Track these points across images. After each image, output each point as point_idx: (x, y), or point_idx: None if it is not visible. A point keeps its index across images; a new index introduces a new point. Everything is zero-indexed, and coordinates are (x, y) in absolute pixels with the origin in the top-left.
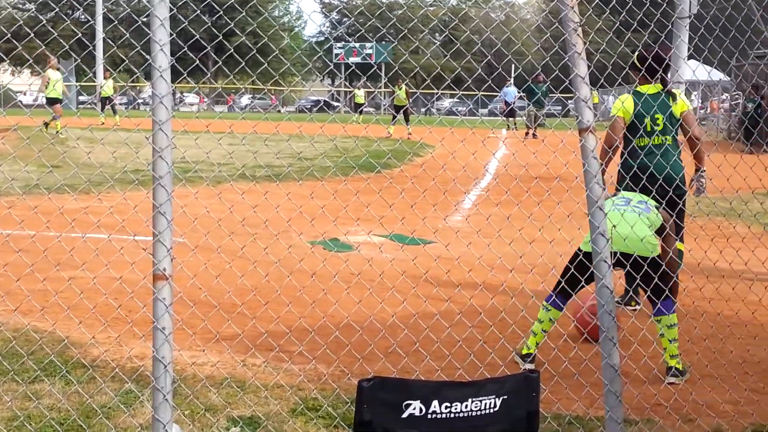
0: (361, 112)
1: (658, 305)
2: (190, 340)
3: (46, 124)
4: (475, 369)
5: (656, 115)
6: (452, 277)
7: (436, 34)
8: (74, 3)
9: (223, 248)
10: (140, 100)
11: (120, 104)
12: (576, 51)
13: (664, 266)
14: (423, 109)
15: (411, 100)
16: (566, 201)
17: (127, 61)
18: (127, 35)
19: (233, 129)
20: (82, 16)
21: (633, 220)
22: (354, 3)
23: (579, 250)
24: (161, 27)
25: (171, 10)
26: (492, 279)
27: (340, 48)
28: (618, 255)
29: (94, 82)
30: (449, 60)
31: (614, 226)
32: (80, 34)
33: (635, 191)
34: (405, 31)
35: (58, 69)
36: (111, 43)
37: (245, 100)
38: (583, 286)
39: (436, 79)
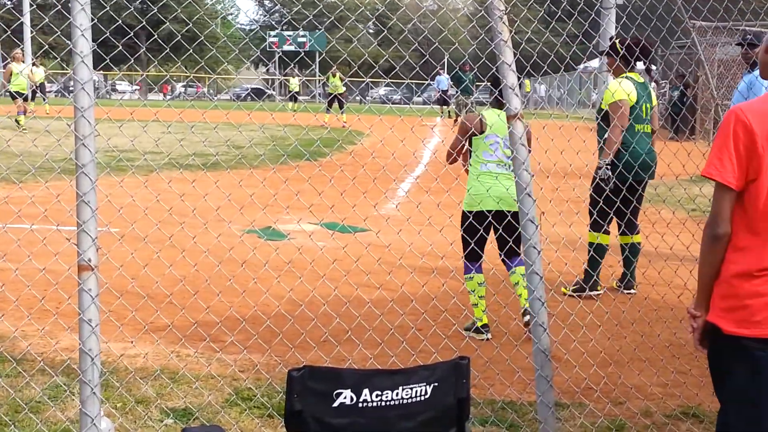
0: (295, 100)
1: (520, 256)
2: (119, 331)
3: (18, 122)
4: (409, 356)
5: (645, 104)
6: (383, 264)
7: (370, 24)
8: None
9: (150, 238)
10: (71, 88)
11: (50, 92)
12: (502, 39)
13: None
14: (357, 98)
15: (344, 88)
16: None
17: (46, 47)
18: (47, 20)
19: (162, 117)
20: (8, 2)
21: (507, 182)
22: None
23: (464, 212)
24: (82, 11)
25: None
26: (423, 265)
27: (273, 36)
28: (491, 215)
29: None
30: (380, 49)
31: (488, 189)
32: None
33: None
34: (332, 18)
35: (22, 61)
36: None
37: (180, 88)
38: (484, 242)
39: (369, 68)
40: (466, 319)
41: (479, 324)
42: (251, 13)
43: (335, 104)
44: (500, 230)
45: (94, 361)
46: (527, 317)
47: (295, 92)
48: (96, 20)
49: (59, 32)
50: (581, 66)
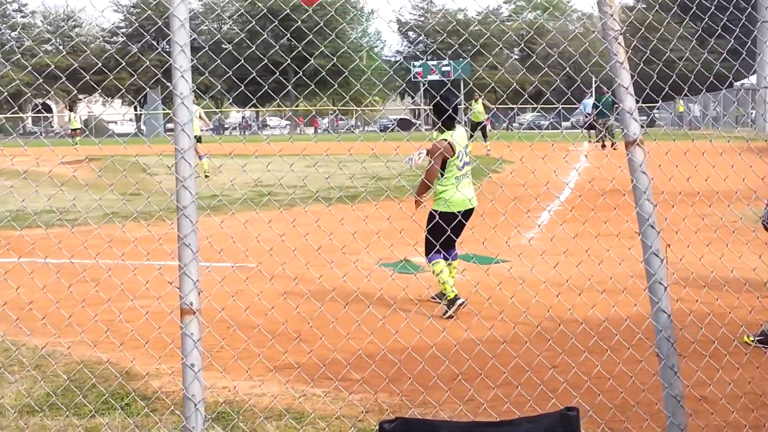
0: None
1: (456, 251)
2: (247, 369)
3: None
4: (547, 398)
5: None
6: (518, 302)
7: (514, 49)
8: (163, 31)
9: (279, 275)
10: (226, 126)
11: (206, 131)
12: (618, 60)
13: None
14: (503, 125)
15: (489, 115)
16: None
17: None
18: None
19: (308, 151)
20: (168, 46)
21: (467, 183)
22: (430, 22)
23: (434, 211)
24: (182, 53)
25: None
26: (561, 299)
27: (418, 67)
28: (460, 216)
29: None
30: (527, 74)
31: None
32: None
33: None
34: (477, 46)
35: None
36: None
37: (325, 123)
38: (453, 239)
39: (516, 94)
40: (608, 358)
41: (451, 296)
42: (396, 45)
43: (478, 132)
44: (465, 224)
45: (197, 407)
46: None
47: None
48: (243, 60)
49: (207, 73)
50: (739, 83)
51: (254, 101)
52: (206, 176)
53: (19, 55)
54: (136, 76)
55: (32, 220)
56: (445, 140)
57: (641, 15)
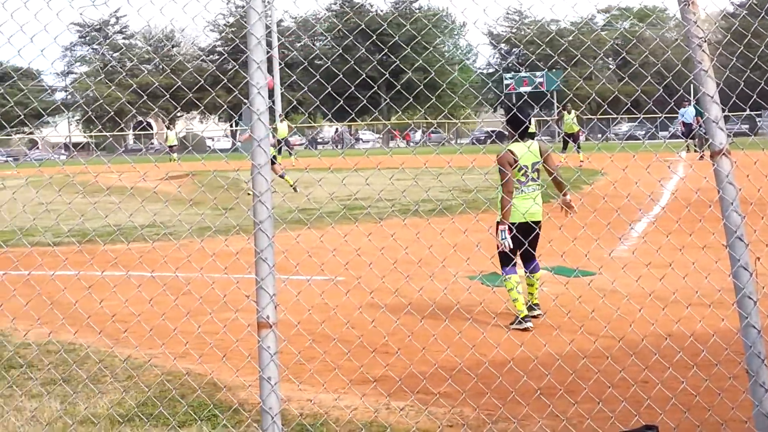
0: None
1: (535, 262)
2: (329, 380)
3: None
4: (629, 414)
5: None
6: (598, 315)
7: (610, 58)
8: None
9: (356, 288)
10: (319, 140)
11: (298, 145)
12: (702, 68)
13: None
14: (600, 135)
15: (583, 125)
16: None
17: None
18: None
19: (398, 164)
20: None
21: (533, 193)
22: (523, 32)
23: (506, 226)
24: (258, 70)
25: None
26: (641, 318)
27: (510, 78)
28: (516, 230)
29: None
30: (624, 84)
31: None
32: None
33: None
34: (578, 56)
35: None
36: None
37: (419, 135)
38: (529, 252)
39: (611, 104)
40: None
41: (522, 315)
42: (488, 57)
43: (570, 143)
44: (529, 237)
45: (274, 420)
46: (538, 311)
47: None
48: (341, 74)
49: (306, 88)
50: None
51: (352, 115)
52: (294, 189)
53: (123, 74)
54: (236, 91)
55: (115, 235)
56: (509, 150)
57: (745, 21)
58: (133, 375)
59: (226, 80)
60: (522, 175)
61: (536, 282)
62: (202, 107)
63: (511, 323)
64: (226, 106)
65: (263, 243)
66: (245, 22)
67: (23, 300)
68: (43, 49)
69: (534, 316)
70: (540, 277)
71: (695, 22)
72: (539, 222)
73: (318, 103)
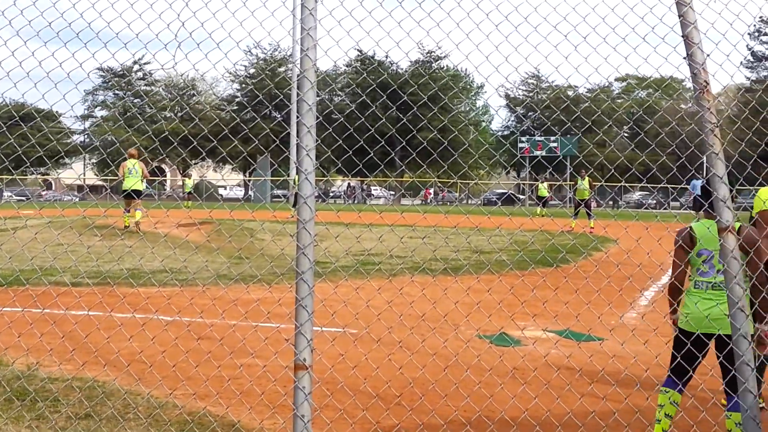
0: (545, 205)
1: (735, 397)
2: (350, 429)
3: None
4: None
5: None
6: (608, 375)
7: (624, 126)
8: (267, 103)
9: (385, 340)
10: (330, 193)
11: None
12: (713, 151)
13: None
14: (611, 203)
15: (595, 191)
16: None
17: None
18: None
19: (411, 221)
20: (277, 114)
21: (717, 295)
22: (540, 97)
23: (676, 327)
24: (308, 134)
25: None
26: (646, 378)
27: (524, 142)
28: (700, 336)
29: (288, 177)
30: (636, 152)
31: (700, 309)
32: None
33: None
34: (589, 123)
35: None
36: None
37: (431, 193)
38: (699, 363)
39: (623, 172)
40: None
41: None
42: (503, 120)
43: (583, 210)
44: (721, 356)
45: None
46: None
47: (544, 197)
48: (352, 129)
49: (319, 141)
50: None
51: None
52: (125, 227)
53: (143, 122)
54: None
55: (147, 278)
56: (688, 228)
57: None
58: (155, 412)
59: (247, 130)
60: (703, 263)
61: (735, 428)
62: (225, 154)
63: None
64: (245, 154)
65: (304, 291)
66: (299, 90)
67: (50, 338)
68: (65, 94)
69: None
70: (737, 419)
71: (709, 108)
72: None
73: (329, 154)
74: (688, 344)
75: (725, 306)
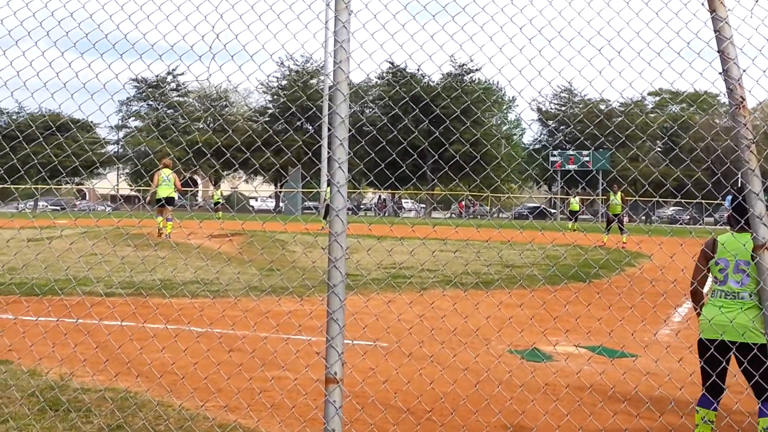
0: (576, 219)
1: (759, 404)
2: None
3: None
4: None
5: None
6: (640, 392)
7: (657, 141)
8: (300, 115)
9: (415, 354)
10: (362, 206)
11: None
12: (749, 167)
13: None
14: (642, 218)
15: (628, 206)
16: None
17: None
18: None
19: (441, 234)
20: (309, 126)
21: (732, 313)
22: (573, 111)
23: (700, 341)
24: (340, 146)
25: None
26: (681, 396)
27: (556, 155)
28: (718, 344)
29: (319, 189)
30: (670, 167)
31: (711, 318)
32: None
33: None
34: (622, 138)
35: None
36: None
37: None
38: (724, 372)
39: (657, 186)
40: None
41: None
42: (536, 134)
43: (615, 225)
44: (744, 364)
45: None
46: None
47: (576, 211)
48: (384, 142)
49: (351, 154)
50: None
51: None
52: (160, 233)
53: (176, 133)
54: (290, 154)
55: (179, 289)
56: (712, 238)
57: None
58: (186, 424)
59: (280, 143)
60: (719, 271)
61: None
62: (258, 165)
63: None
64: (278, 165)
65: (335, 305)
66: (332, 103)
67: (83, 348)
68: (101, 105)
69: None
70: (764, 424)
71: (745, 124)
72: (756, 345)
73: (362, 167)
74: (711, 351)
75: (733, 314)
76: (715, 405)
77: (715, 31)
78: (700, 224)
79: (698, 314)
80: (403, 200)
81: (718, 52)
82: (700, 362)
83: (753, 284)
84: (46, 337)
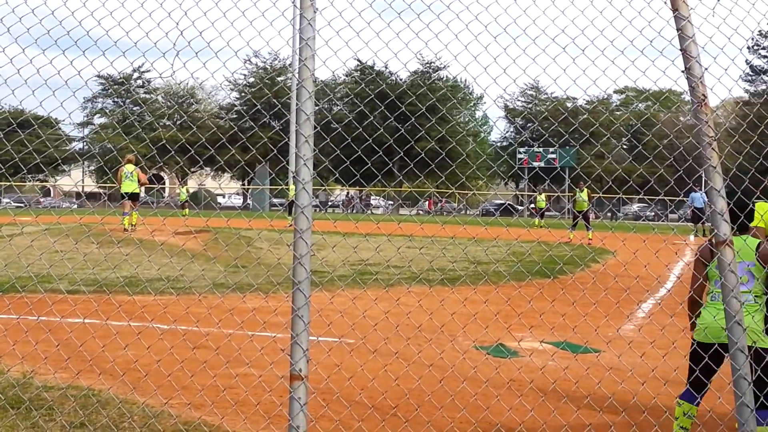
0: (542, 216)
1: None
2: None
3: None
4: None
5: None
6: (603, 387)
7: (622, 138)
8: (264, 112)
9: (381, 351)
10: (329, 203)
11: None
12: (711, 164)
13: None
14: (608, 213)
15: (593, 203)
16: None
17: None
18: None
19: (407, 231)
20: (276, 123)
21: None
22: (539, 108)
23: (693, 340)
24: (306, 143)
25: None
26: (643, 391)
27: (523, 153)
28: (717, 348)
29: (286, 187)
30: (634, 164)
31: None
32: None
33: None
34: (587, 135)
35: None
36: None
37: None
38: (715, 374)
39: (621, 183)
40: None
41: None
42: (502, 131)
43: (581, 221)
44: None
45: None
46: None
47: (542, 208)
48: (350, 139)
49: (317, 151)
50: None
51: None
52: (125, 230)
53: (140, 129)
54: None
55: (143, 286)
56: (707, 246)
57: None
58: (150, 422)
59: (245, 139)
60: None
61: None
62: (222, 162)
63: None
64: (243, 163)
65: (300, 301)
66: (298, 100)
67: (45, 345)
68: (63, 101)
69: None
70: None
71: (707, 122)
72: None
73: (327, 164)
74: (706, 357)
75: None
76: (698, 400)
77: (678, 30)
78: (663, 221)
79: (692, 324)
80: (371, 197)
81: (681, 50)
82: (691, 364)
83: (758, 286)
84: (6, 335)
